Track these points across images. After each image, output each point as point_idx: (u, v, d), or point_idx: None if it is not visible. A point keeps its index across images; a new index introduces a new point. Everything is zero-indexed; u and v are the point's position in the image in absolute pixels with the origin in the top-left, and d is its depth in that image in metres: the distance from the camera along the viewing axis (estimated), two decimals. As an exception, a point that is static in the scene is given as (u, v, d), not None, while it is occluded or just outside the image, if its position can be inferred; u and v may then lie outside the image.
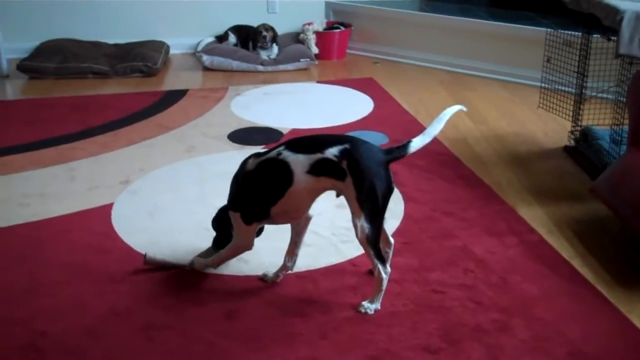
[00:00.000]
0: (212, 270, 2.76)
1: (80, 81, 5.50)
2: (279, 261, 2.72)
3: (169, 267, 2.78)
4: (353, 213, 2.43)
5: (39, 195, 3.46)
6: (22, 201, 3.39)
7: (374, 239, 2.43)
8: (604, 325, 2.47)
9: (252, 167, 2.54)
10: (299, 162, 2.44)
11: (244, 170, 2.56)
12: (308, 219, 2.68)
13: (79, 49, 5.85)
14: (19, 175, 3.69)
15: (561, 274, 2.78)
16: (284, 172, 2.45)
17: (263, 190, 2.52)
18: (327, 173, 2.42)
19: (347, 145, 2.41)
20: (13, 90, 5.34)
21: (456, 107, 2.57)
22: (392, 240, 2.70)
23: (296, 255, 2.72)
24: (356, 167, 2.38)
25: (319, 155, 2.42)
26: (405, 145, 2.46)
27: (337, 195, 2.53)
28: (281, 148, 2.49)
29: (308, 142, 2.51)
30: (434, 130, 2.49)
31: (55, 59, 5.59)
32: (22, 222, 3.18)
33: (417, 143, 2.47)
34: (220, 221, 2.76)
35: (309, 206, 2.59)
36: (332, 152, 2.40)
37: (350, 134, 3.99)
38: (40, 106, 4.87)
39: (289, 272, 2.74)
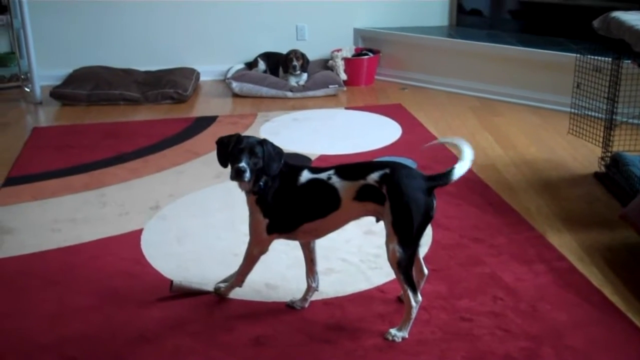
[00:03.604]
0: (239, 297, 2.77)
1: (111, 108, 5.59)
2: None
3: (196, 292, 2.80)
4: (387, 236, 2.43)
5: (70, 220, 3.50)
6: (54, 226, 3.43)
7: (405, 265, 2.42)
8: (635, 354, 2.44)
9: (305, 181, 2.54)
10: (346, 189, 2.46)
11: (297, 182, 2.54)
12: None
13: (110, 76, 5.94)
14: (51, 201, 3.74)
15: (591, 301, 2.75)
16: (332, 196, 2.47)
17: (306, 206, 2.53)
18: (370, 198, 2.44)
19: (387, 170, 2.43)
20: (46, 116, 5.43)
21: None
22: (426, 271, 2.68)
23: (316, 273, 2.73)
24: (394, 192, 2.39)
25: (361, 182, 2.44)
26: (449, 172, 2.44)
27: (377, 221, 2.52)
28: (331, 172, 2.51)
29: (354, 168, 2.53)
30: (468, 154, 2.48)
31: (88, 86, 5.69)
32: (53, 247, 3.22)
33: (460, 169, 2.45)
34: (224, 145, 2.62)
35: (340, 227, 2.60)
36: (373, 177, 2.43)
37: (379, 159, 4.00)
38: (73, 132, 4.95)
39: (316, 292, 2.74)
